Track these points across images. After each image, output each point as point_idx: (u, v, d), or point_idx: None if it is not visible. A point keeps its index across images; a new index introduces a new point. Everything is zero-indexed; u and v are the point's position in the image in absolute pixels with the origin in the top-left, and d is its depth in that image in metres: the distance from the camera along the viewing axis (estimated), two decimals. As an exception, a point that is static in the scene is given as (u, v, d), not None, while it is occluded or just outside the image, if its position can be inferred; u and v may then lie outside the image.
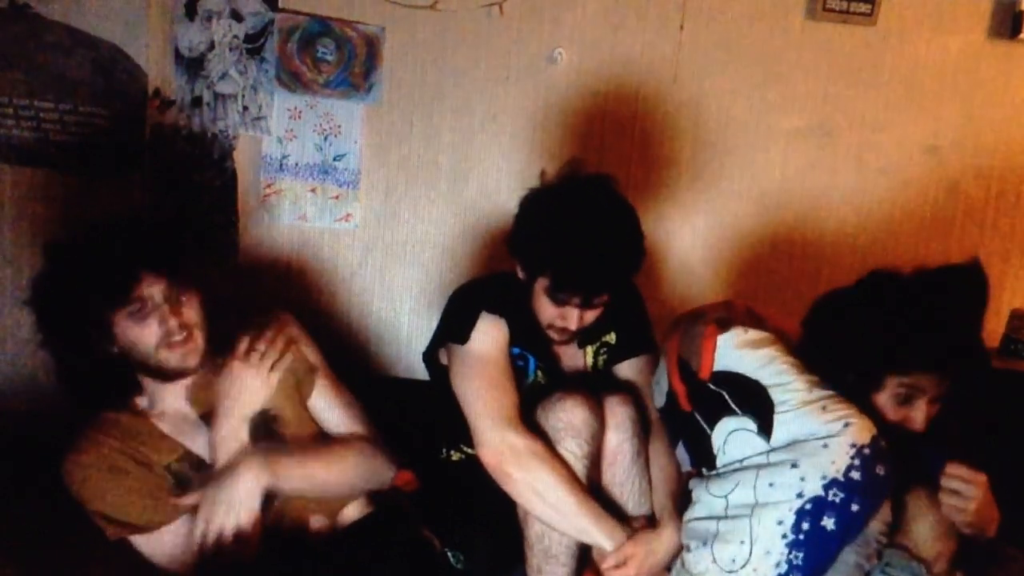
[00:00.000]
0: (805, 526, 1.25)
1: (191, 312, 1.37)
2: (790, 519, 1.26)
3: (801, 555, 1.25)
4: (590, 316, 1.53)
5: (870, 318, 1.37)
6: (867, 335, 1.36)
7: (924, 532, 1.31)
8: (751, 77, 2.21)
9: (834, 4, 2.16)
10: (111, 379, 1.37)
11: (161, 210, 2.07)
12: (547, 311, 1.52)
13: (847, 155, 2.27)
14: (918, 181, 2.29)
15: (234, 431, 1.37)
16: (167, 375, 1.37)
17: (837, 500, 1.24)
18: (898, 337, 1.33)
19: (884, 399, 1.37)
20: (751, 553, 1.27)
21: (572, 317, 1.50)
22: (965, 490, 1.29)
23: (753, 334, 1.40)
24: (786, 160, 2.26)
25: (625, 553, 1.42)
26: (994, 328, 2.24)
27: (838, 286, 1.50)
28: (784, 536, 1.26)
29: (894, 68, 2.23)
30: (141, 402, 1.41)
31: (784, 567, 1.25)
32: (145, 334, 1.32)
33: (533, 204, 1.53)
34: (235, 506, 1.29)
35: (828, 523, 1.25)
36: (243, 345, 1.43)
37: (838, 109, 2.24)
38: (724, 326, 1.42)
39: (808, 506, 1.25)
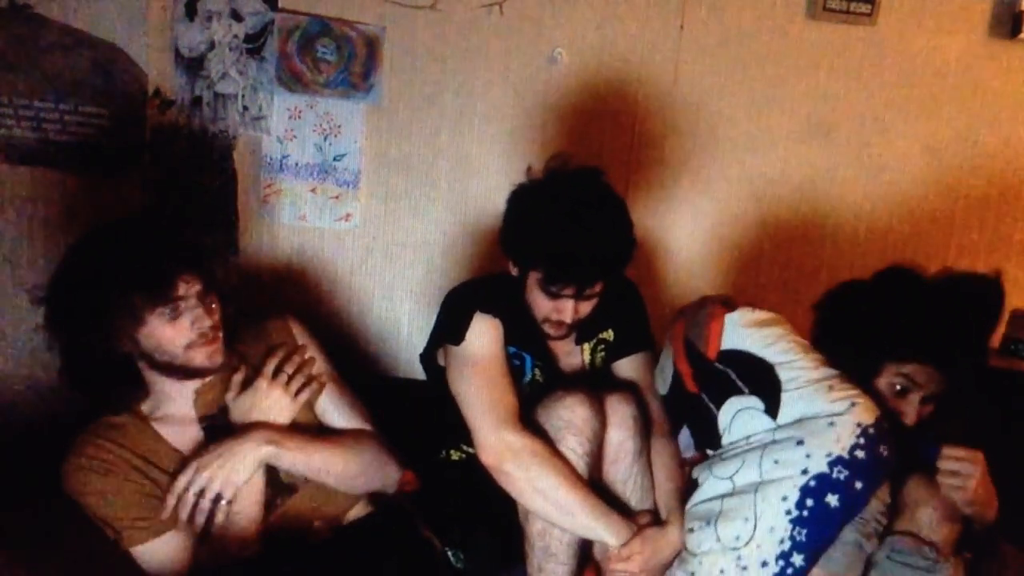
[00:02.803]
0: (809, 503, 1.26)
1: (217, 313, 1.37)
2: (794, 496, 1.27)
3: (805, 532, 1.26)
4: (585, 308, 1.53)
5: (878, 303, 1.40)
6: (872, 319, 1.39)
7: (927, 518, 1.31)
8: (751, 77, 2.21)
9: (834, 4, 2.16)
10: (123, 378, 1.35)
11: (161, 210, 2.07)
12: (542, 305, 1.52)
13: (847, 155, 2.27)
14: (918, 181, 2.29)
15: None
16: (190, 374, 1.36)
17: (841, 478, 1.26)
18: (900, 324, 1.35)
19: (880, 387, 1.39)
20: (755, 529, 1.28)
21: (567, 309, 1.50)
22: (963, 468, 1.30)
23: (760, 314, 1.42)
24: (786, 160, 2.26)
25: (630, 549, 1.42)
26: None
27: (836, 285, 1.52)
28: (788, 512, 1.27)
29: (894, 68, 2.23)
30: (145, 405, 1.40)
31: (788, 544, 1.26)
32: (177, 334, 1.31)
33: (521, 199, 1.53)
34: (229, 466, 1.30)
35: (832, 500, 1.26)
36: (271, 365, 1.43)
37: (838, 109, 2.24)
38: (731, 306, 1.43)
39: (812, 483, 1.26)
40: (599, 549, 1.49)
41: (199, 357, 1.34)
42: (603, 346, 1.68)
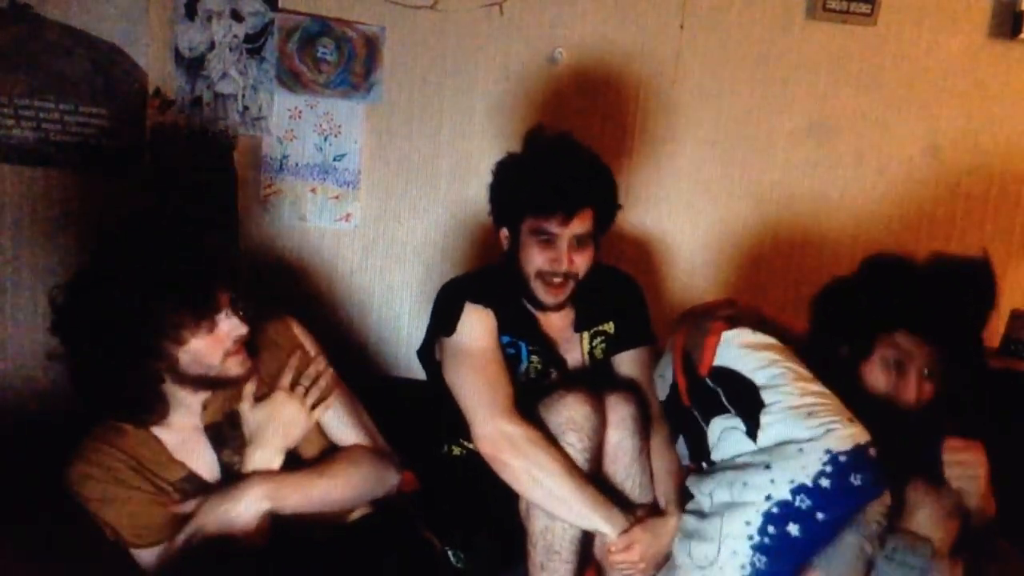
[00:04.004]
0: (771, 530, 1.23)
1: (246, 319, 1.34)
2: (757, 521, 1.24)
3: (765, 559, 1.23)
4: (580, 260, 1.54)
5: (862, 285, 1.41)
6: (856, 299, 1.40)
7: (925, 518, 1.30)
8: (751, 77, 2.21)
9: (834, 4, 2.16)
10: (148, 398, 1.31)
11: (161, 210, 2.07)
12: (536, 258, 1.54)
13: (847, 155, 2.27)
14: (918, 181, 2.29)
15: (268, 461, 1.36)
16: (223, 384, 1.34)
17: (803, 507, 1.22)
18: (882, 296, 1.36)
19: (875, 368, 1.38)
20: (719, 552, 1.27)
21: (562, 256, 1.52)
22: (968, 459, 1.29)
23: (759, 337, 1.39)
24: (786, 160, 2.26)
25: (631, 537, 1.43)
26: (994, 328, 2.24)
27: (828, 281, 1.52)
28: (750, 538, 1.24)
29: (894, 68, 2.23)
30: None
31: (748, 570, 1.24)
32: (216, 345, 1.29)
33: (501, 163, 1.63)
34: (231, 523, 1.29)
35: (793, 530, 1.22)
36: (288, 377, 1.42)
37: (838, 109, 2.24)
38: (733, 323, 1.42)
39: (775, 510, 1.23)
40: (599, 548, 1.49)
41: (235, 366, 1.32)
42: (603, 338, 1.69)
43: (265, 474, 1.35)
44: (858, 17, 2.17)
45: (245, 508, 1.30)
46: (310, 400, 1.42)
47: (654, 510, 1.52)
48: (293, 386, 1.41)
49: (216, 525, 1.29)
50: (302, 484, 1.37)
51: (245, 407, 1.39)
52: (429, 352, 1.67)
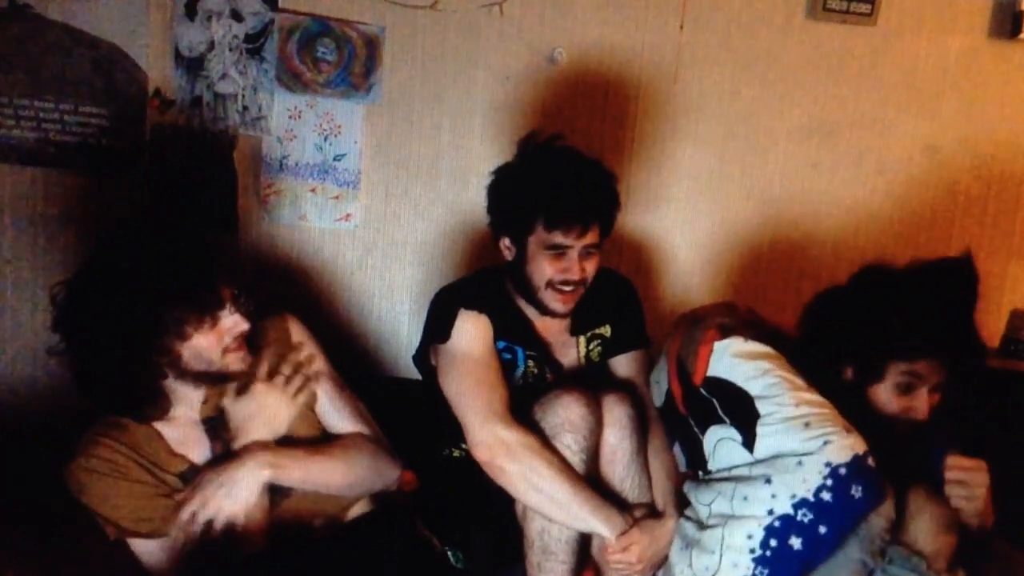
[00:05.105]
0: (773, 543, 1.24)
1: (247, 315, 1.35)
2: (759, 534, 1.25)
3: (767, 572, 1.24)
4: (590, 267, 1.54)
5: (867, 309, 1.39)
6: (866, 326, 1.38)
7: (923, 528, 1.30)
8: (751, 77, 2.21)
9: (834, 4, 2.16)
10: (150, 394, 1.32)
11: (161, 210, 2.07)
12: (547, 269, 1.53)
13: (847, 155, 2.27)
14: (918, 181, 2.29)
15: None
16: (223, 379, 1.35)
17: (805, 521, 1.23)
18: (899, 325, 1.34)
19: (885, 390, 1.38)
20: (720, 564, 1.27)
21: (573, 266, 1.52)
22: (971, 479, 1.29)
23: (752, 346, 1.39)
24: (786, 160, 2.26)
25: (629, 539, 1.43)
26: (994, 328, 2.24)
27: (814, 298, 1.51)
28: (752, 551, 1.25)
29: (894, 68, 2.23)
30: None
31: None
32: (216, 341, 1.30)
33: (504, 171, 1.61)
34: (231, 493, 1.29)
35: (795, 543, 1.23)
36: (264, 368, 1.42)
37: (838, 109, 2.24)
38: (725, 333, 1.41)
39: (777, 523, 1.24)
40: (597, 549, 1.49)
41: (235, 362, 1.33)
42: (599, 341, 1.69)
43: (267, 444, 1.36)
44: (858, 17, 2.18)
45: (247, 474, 1.31)
46: (292, 389, 1.42)
47: (652, 511, 1.51)
48: (270, 376, 1.41)
49: (218, 494, 1.29)
50: (304, 459, 1.38)
51: (227, 402, 1.39)
52: (424, 358, 1.67)
